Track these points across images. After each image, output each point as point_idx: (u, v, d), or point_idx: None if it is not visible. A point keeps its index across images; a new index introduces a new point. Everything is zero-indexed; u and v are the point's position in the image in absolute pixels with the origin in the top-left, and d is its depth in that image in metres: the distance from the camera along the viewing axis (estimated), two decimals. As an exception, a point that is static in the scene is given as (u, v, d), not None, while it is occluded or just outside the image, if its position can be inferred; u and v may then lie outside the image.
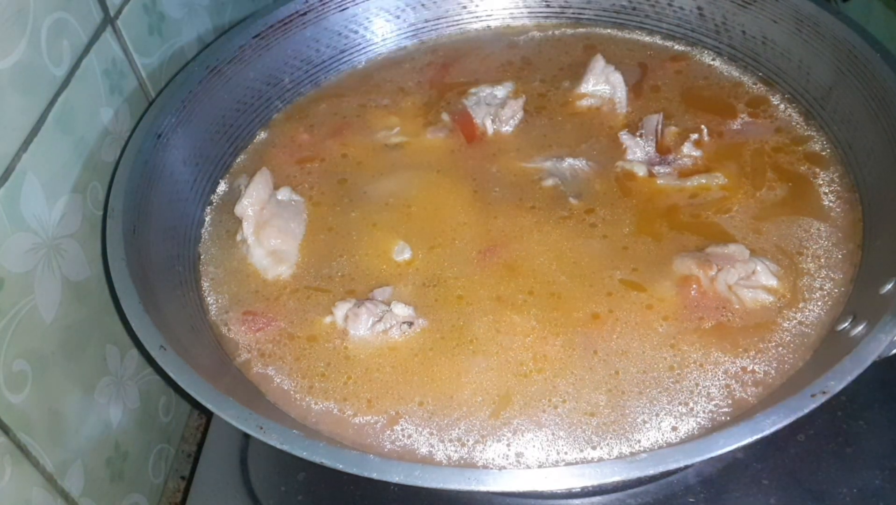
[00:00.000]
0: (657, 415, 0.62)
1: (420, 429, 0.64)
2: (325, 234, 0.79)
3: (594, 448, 0.61)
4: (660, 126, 0.82)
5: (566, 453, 0.61)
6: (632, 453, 0.61)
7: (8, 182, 0.63)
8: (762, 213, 0.75)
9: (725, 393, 0.63)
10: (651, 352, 0.66)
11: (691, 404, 0.63)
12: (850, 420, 0.71)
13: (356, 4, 0.95)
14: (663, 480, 0.70)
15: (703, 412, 0.62)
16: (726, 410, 0.62)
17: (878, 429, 0.71)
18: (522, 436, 0.62)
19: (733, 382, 0.64)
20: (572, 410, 0.63)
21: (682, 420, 0.62)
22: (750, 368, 0.64)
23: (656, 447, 0.61)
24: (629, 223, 0.75)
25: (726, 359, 0.65)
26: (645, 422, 0.62)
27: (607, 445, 0.61)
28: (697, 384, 0.64)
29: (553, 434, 0.62)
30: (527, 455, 0.61)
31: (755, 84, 0.87)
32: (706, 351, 0.66)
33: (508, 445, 0.62)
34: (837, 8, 0.83)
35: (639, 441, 0.61)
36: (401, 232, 0.77)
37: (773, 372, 0.64)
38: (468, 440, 0.63)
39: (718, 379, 0.64)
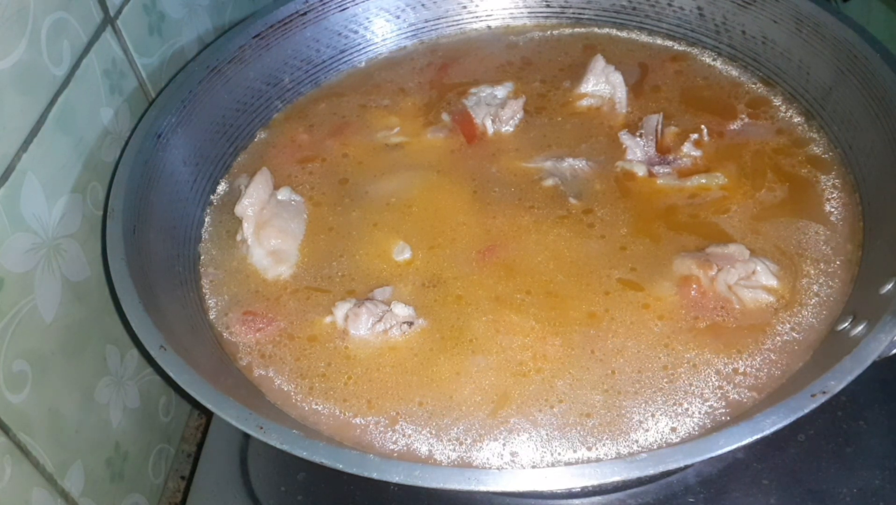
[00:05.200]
0: (653, 415, 0.62)
1: (420, 429, 0.64)
2: (326, 234, 0.79)
3: (589, 449, 0.61)
4: (660, 126, 0.82)
5: (561, 454, 0.61)
6: (631, 453, 0.61)
7: (8, 182, 0.63)
8: (761, 213, 0.75)
9: (719, 394, 0.63)
10: (646, 351, 0.66)
11: (686, 405, 0.63)
12: (850, 420, 0.71)
13: (356, 4, 0.95)
14: (663, 480, 0.70)
15: (699, 413, 0.62)
16: (721, 410, 0.62)
17: (878, 429, 0.71)
18: (518, 436, 0.62)
19: (725, 382, 0.64)
20: (568, 411, 0.63)
21: (678, 420, 0.62)
22: (742, 370, 0.64)
23: (652, 448, 0.61)
24: (628, 223, 0.75)
25: (718, 360, 0.65)
26: (641, 422, 0.62)
27: (603, 445, 0.61)
28: (691, 384, 0.64)
29: (548, 434, 0.62)
30: (522, 455, 0.61)
31: (755, 84, 0.87)
32: (699, 351, 0.66)
33: (504, 444, 0.62)
34: (837, 8, 0.83)
35: (636, 441, 0.61)
36: (401, 232, 0.77)
37: (764, 376, 0.64)
38: (466, 439, 0.63)
39: (711, 380, 0.64)
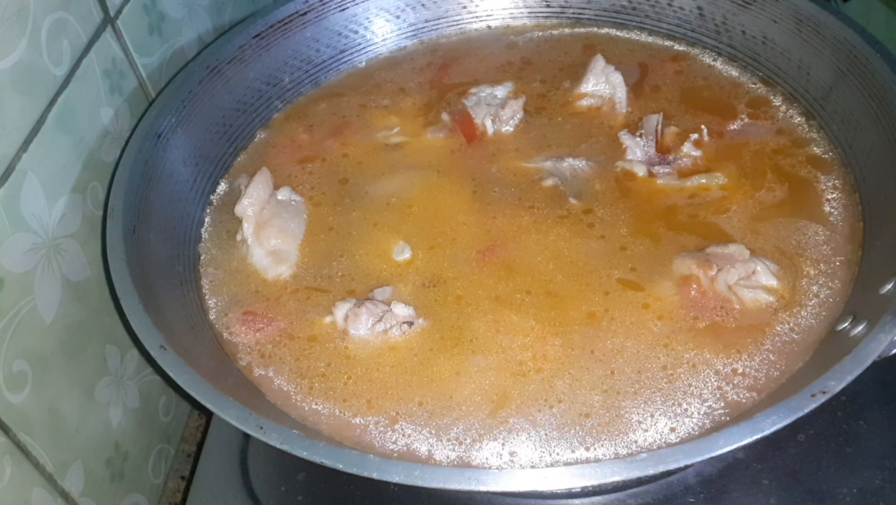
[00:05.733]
0: (652, 416, 0.62)
1: (420, 429, 0.64)
2: (326, 234, 0.79)
3: (588, 449, 0.61)
4: (660, 126, 0.82)
5: (559, 454, 0.61)
6: (631, 453, 0.61)
7: (8, 182, 0.63)
8: (761, 214, 0.75)
9: (718, 395, 0.63)
10: (646, 352, 0.66)
11: (685, 405, 0.63)
12: (850, 420, 0.71)
13: (356, 4, 0.95)
14: (663, 480, 0.70)
15: (698, 413, 0.62)
16: (720, 411, 0.62)
17: (878, 429, 0.71)
18: (517, 436, 0.62)
19: (724, 383, 0.64)
20: (567, 411, 0.63)
21: (677, 421, 0.62)
22: (741, 370, 0.64)
23: (651, 448, 0.61)
24: (628, 223, 0.75)
25: (718, 360, 0.65)
26: (640, 423, 0.62)
27: (602, 446, 0.61)
28: (690, 385, 0.64)
29: (547, 434, 0.62)
30: (521, 455, 0.61)
31: (755, 84, 0.87)
32: (699, 351, 0.66)
33: (503, 444, 0.62)
34: (837, 8, 0.83)
35: (634, 442, 0.61)
36: (401, 232, 0.77)
37: (762, 377, 0.63)
38: (466, 439, 0.63)
39: (710, 380, 0.64)
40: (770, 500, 0.68)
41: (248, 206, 0.77)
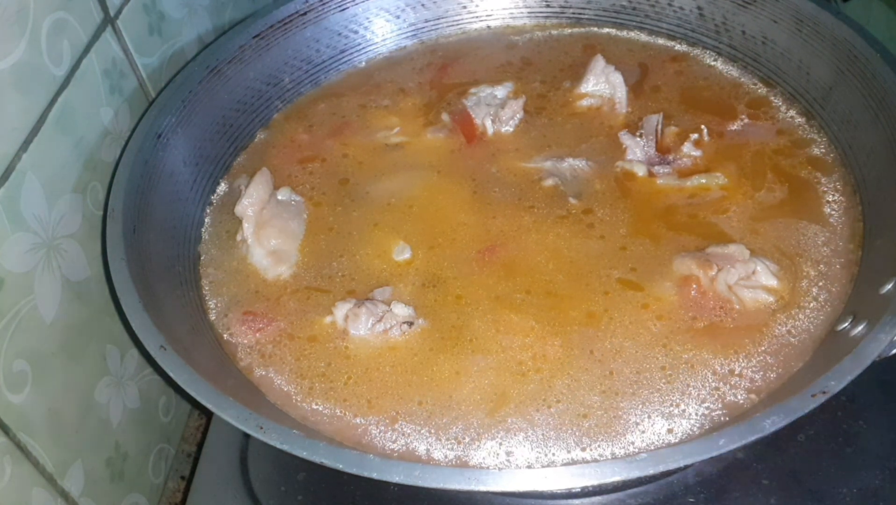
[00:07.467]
0: (649, 417, 0.62)
1: (419, 429, 0.64)
2: (326, 234, 0.79)
3: (584, 450, 0.61)
4: (660, 126, 0.82)
5: (555, 455, 0.61)
6: (629, 454, 0.61)
7: (8, 182, 0.63)
8: (760, 214, 0.75)
9: (716, 396, 0.63)
10: (644, 352, 0.66)
11: (683, 406, 0.63)
12: (850, 420, 0.71)
13: (356, 4, 0.95)
14: (663, 480, 0.70)
15: (696, 414, 0.62)
16: (718, 412, 0.62)
17: (878, 429, 0.71)
18: (515, 435, 0.62)
19: (722, 384, 0.63)
20: (565, 411, 0.63)
21: (675, 422, 0.62)
22: (738, 371, 0.64)
23: (647, 450, 0.61)
24: (627, 223, 0.75)
25: (716, 360, 0.65)
26: (637, 424, 0.62)
27: (598, 446, 0.61)
28: (688, 385, 0.64)
29: (544, 434, 0.62)
30: (517, 455, 0.61)
31: (755, 84, 0.87)
32: (697, 352, 0.65)
33: (501, 444, 0.62)
34: (837, 8, 0.83)
35: (631, 443, 0.61)
36: (401, 232, 0.77)
37: (760, 378, 0.63)
38: (465, 438, 0.63)
39: (708, 381, 0.64)
40: (770, 500, 0.68)
41: (248, 206, 0.77)
